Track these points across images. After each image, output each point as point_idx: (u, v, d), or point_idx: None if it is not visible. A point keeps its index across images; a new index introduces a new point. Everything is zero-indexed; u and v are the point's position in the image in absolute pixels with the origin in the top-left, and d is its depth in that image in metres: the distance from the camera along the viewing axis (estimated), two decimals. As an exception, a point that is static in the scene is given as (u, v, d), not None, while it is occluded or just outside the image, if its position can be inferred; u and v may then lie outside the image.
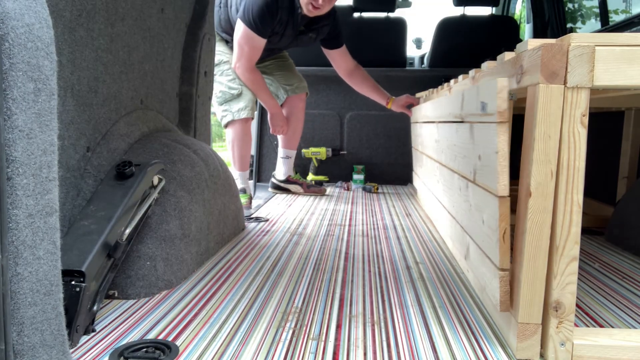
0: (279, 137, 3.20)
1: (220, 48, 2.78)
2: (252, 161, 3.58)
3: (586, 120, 0.93)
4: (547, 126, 0.94)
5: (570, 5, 3.83)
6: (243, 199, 2.65)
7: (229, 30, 2.77)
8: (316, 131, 3.65)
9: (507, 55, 1.17)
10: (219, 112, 2.79)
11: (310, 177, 3.58)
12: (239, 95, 2.77)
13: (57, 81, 0.82)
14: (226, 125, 2.82)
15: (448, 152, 1.66)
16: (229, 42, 2.82)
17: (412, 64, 4.89)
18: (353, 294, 1.35)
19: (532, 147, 0.95)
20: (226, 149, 2.96)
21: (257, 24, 2.55)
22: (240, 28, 2.60)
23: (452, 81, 1.97)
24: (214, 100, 2.73)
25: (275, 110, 2.93)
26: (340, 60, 3.04)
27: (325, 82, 3.63)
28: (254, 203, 2.92)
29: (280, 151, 3.22)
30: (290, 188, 3.23)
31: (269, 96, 2.87)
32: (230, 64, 2.78)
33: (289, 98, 3.07)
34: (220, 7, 2.75)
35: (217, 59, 2.73)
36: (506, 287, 1.02)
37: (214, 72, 2.74)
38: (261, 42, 2.63)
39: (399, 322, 1.16)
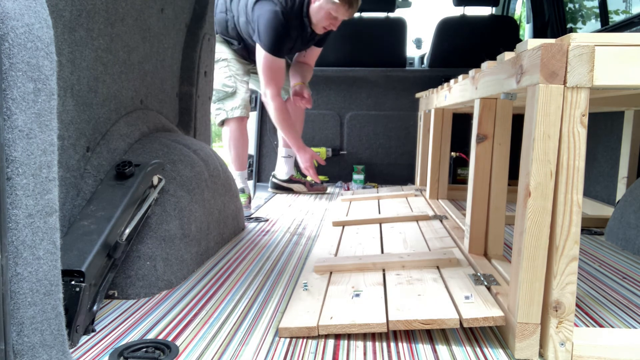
0: (279, 136, 3.20)
1: (221, 48, 2.81)
2: (252, 161, 3.58)
3: (586, 120, 0.93)
4: (547, 126, 0.94)
5: (570, 5, 3.82)
6: (242, 199, 2.65)
7: (235, 35, 2.80)
8: (316, 131, 3.65)
9: (507, 55, 1.17)
10: (213, 110, 2.80)
11: (310, 177, 3.57)
12: (233, 93, 2.78)
13: (57, 81, 0.82)
14: (222, 124, 2.83)
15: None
16: (232, 44, 2.84)
17: (412, 64, 4.88)
18: (353, 294, 1.35)
19: (531, 147, 0.95)
20: (226, 148, 2.95)
21: (274, 47, 2.63)
22: (260, 54, 2.67)
23: (452, 81, 1.97)
24: None
25: (300, 149, 2.89)
26: (309, 55, 3.09)
27: (326, 82, 3.63)
28: (254, 203, 2.92)
29: (282, 150, 3.22)
30: (293, 187, 3.24)
31: (292, 131, 2.86)
32: (229, 61, 2.81)
33: (290, 98, 3.08)
34: (226, 13, 2.78)
35: (215, 56, 2.74)
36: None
37: None
38: (281, 62, 2.73)
39: (398, 322, 1.16)
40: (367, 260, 1.44)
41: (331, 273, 1.41)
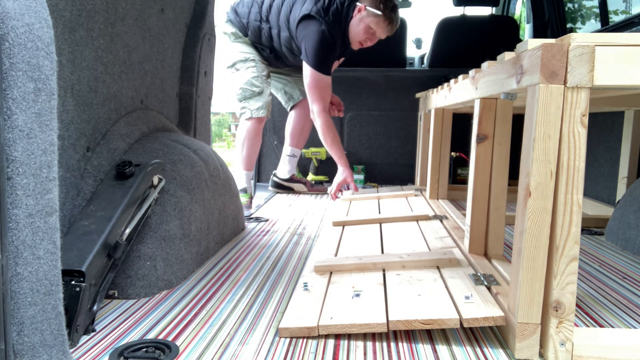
0: (287, 135, 3.21)
1: (248, 49, 2.86)
2: None
3: (586, 120, 0.93)
4: (547, 126, 0.94)
5: (570, 5, 3.82)
6: (244, 199, 2.65)
7: (269, 45, 2.84)
8: (316, 131, 3.64)
9: (507, 55, 1.17)
10: (238, 109, 2.88)
11: (310, 177, 3.57)
12: (260, 93, 2.83)
13: (57, 81, 0.82)
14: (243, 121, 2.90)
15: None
16: (263, 51, 2.87)
17: (412, 64, 4.87)
18: (353, 294, 1.35)
19: (532, 147, 0.95)
20: (226, 148, 2.97)
21: (323, 65, 2.70)
22: (308, 72, 2.72)
23: (452, 81, 1.97)
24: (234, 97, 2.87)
25: (343, 166, 2.91)
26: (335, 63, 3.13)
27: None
28: (254, 203, 2.92)
29: (287, 149, 3.22)
30: (293, 187, 3.24)
31: (338, 146, 2.88)
32: (256, 62, 2.84)
33: (304, 100, 3.09)
34: (260, 23, 2.80)
35: (243, 56, 2.84)
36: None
37: (238, 68, 2.84)
38: (328, 80, 2.79)
39: (398, 322, 1.16)
40: (367, 261, 1.44)
41: (331, 273, 1.41)
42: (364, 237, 1.86)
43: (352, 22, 2.71)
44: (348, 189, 3.09)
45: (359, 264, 1.43)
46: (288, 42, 2.77)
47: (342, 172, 2.92)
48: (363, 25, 2.68)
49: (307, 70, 2.72)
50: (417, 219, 2.12)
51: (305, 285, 1.30)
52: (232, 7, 2.89)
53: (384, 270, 1.41)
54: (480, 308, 1.08)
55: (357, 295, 1.22)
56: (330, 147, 2.87)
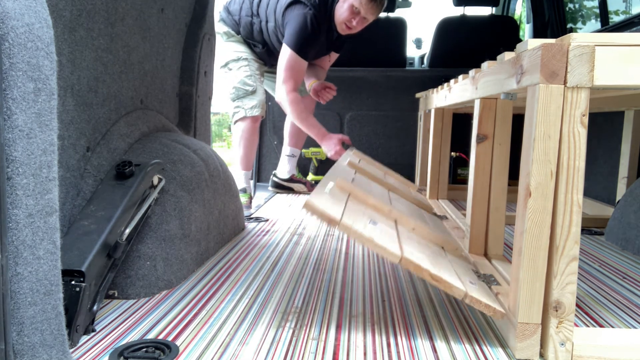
0: (285, 135, 3.20)
1: (241, 47, 2.85)
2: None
3: (586, 120, 0.93)
4: (547, 126, 0.94)
5: (570, 5, 3.82)
6: (243, 199, 2.65)
7: (260, 40, 2.83)
8: None
9: (507, 55, 1.17)
10: (231, 108, 2.84)
11: (310, 177, 3.57)
12: (253, 92, 2.80)
13: (57, 81, 0.82)
14: (236, 122, 2.85)
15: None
16: (255, 47, 2.86)
17: (412, 64, 4.87)
18: (353, 293, 1.35)
19: (532, 147, 0.95)
20: (226, 148, 2.96)
21: (301, 47, 2.65)
22: (286, 53, 2.68)
23: (452, 81, 1.97)
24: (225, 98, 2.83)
25: (323, 137, 2.79)
26: (326, 60, 3.10)
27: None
28: (254, 203, 2.92)
29: (286, 149, 3.22)
30: (293, 187, 3.24)
31: (309, 121, 2.79)
32: (249, 61, 2.82)
33: (302, 98, 3.08)
34: (252, 17, 2.79)
35: (236, 55, 2.82)
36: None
37: (231, 67, 2.82)
38: (304, 64, 2.74)
39: (399, 322, 1.16)
40: (383, 204, 1.39)
41: (349, 195, 1.34)
42: (375, 191, 1.77)
43: (337, 5, 2.69)
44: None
45: (376, 203, 1.37)
46: (274, 32, 2.75)
47: (327, 143, 2.70)
48: (347, 5, 2.64)
49: (285, 50, 2.66)
50: (421, 206, 2.09)
51: (328, 189, 1.23)
52: (224, 6, 2.88)
53: (396, 221, 1.37)
54: (482, 295, 1.08)
55: (374, 223, 1.17)
56: (303, 123, 2.72)
